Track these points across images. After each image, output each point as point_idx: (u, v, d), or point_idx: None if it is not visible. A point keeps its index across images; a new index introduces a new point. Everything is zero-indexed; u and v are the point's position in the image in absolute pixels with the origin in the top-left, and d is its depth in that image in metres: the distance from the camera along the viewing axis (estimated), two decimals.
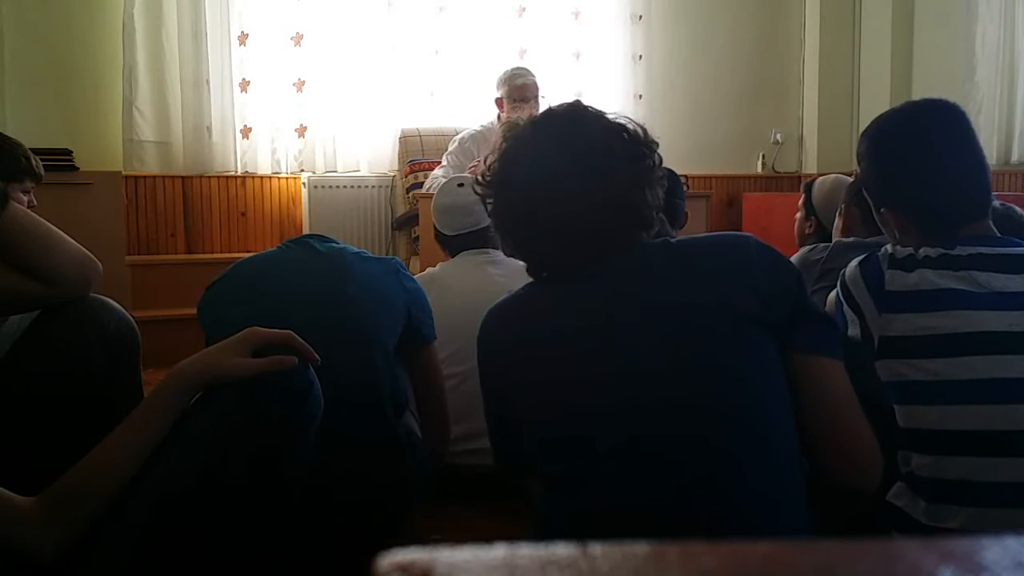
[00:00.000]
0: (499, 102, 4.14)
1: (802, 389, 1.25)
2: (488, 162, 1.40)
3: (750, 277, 1.26)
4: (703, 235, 1.41)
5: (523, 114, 3.93)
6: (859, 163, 1.69)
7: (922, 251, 1.50)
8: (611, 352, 1.24)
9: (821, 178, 2.75)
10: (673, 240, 1.36)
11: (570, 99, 1.41)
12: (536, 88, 4.10)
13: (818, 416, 1.25)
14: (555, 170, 1.32)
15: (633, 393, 1.20)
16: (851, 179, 2.49)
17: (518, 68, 4.22)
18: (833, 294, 1.62)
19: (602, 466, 1.19)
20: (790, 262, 1.36)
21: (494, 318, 1.38)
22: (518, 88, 4.06)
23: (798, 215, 2.73)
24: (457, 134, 4.33)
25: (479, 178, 1.40)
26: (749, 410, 1.20)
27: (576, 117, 1.36)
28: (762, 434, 1.20)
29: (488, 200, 1.38)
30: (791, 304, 1.27)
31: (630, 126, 1.36)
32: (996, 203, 1.75)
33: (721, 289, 1.25)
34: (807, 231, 2.68)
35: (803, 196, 2.71)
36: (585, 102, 1.40)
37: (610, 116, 1.37)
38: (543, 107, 4.05)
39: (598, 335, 1.25)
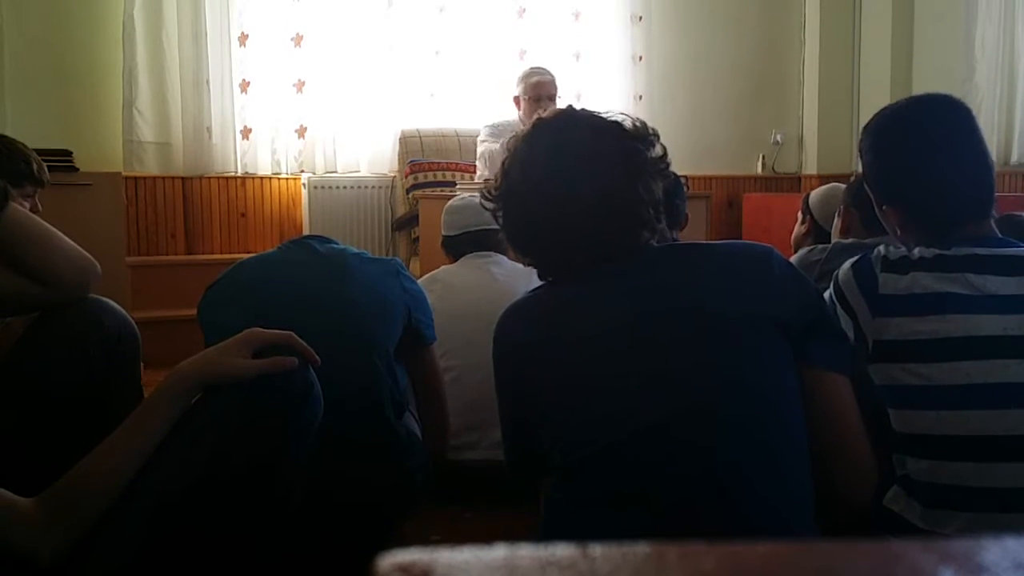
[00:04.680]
0: (516, 100, 4.16)
1: (808, 400, 1.29)
2: (494, 177, 1.44)
3: (772, 286, 1.30)
4: (725, 242, 1.44)
5: (541, 110, 3.96)
6: (861, 158, 1.68)
7: (916, 252, 1.49)
8: (628, 352, 1.26)
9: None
10: (694, 244, 1.40)
11: (567, 102, 1.45)
12: (553, 87, 4.11)
13: (820, 427, 1.29)
14: (547, 177, 1.35)
15: (646, 389, 1.23)
16: (847, 184, 2.52)
17: (536, 67, 4.25)
18: (827, 295, 1.61)
19: (614, 455, 1.21)
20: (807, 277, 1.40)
21: (510, 318, 1.40)
22: (532, 86, 4.07)
23: (797, 223, 2.76)
24: (457, 135, 4.35)
25: (487, 194, 1.44)
26: (760, 414, 1.23)
27: (565, 123, 1.39)
28: (771, 438, 1.23)
29: (498, 214, 1.43)
30: (810, 316, 1.32)
31: (626, 123, 1.38)
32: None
33: (741, 295, 1.29)
34: (803, 232, 2.70)
35: (802, 204, 2.74)
36: (585, 103, 1.42)
37: (604, 116, 1.39)
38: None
39: (615, 335, 1.28)
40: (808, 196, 2.75)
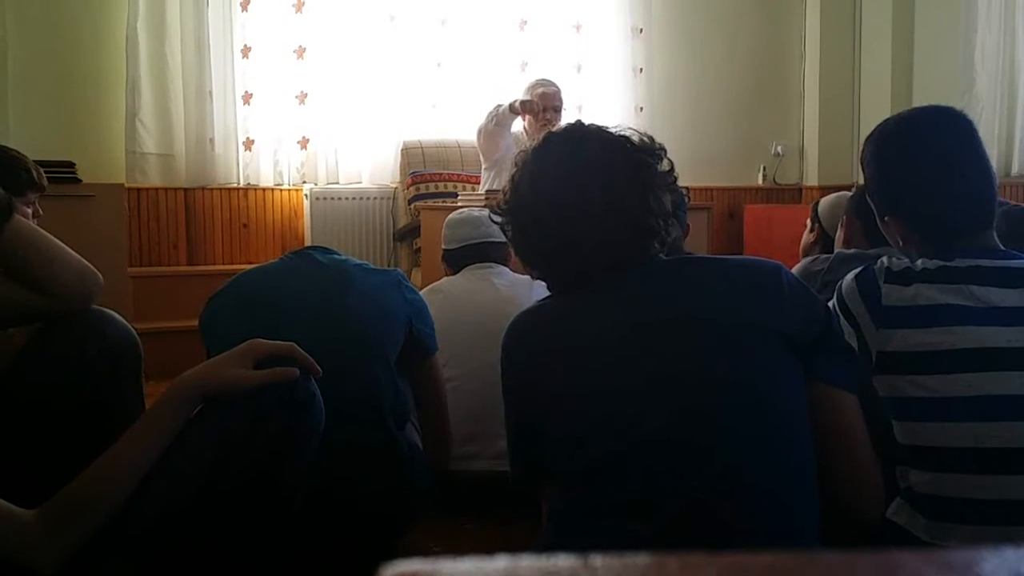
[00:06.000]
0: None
1: (815, 416, 1.29)
2: (502, 191, 1.46)
3: (779, 301, 1.31)
4: (734, 256, 1.45)
5: (545, 121, 4.00)
6: (863, 169, 1.68)
7: (919, 263, 1.49)
8: (632, 361, 1.27)
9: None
10: (703, 257, 1.41)
11: (572, 114, 1.46)
12: (558, 98, 4.17)
13: (826, 444, 1.30)
14: (557, 189, 1.37)
15: (652, 398, 1.24)
16: (850, 194, 2.52)
17: (542, 78, 4.31)
18: (830, 305, 1.61)
19: (617, 464, 1.22)
20: (816, 294, 1.41)
21: (518, 327, 1.42)
22: (538, 97, 4.10)
23: (805, 231, 2.76)
24: (459, 146, 4.37)
25: (497, 207, 1.45)
26: (765, 421, 1.24)
27: (574, 136, 1.41)
28: (776, 443, 1.24)
29: (507, 228, 1.44)
30: (818, 331, 1.33)
31: (634, 137, 1.39)
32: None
33: (748, 307, 1.30)
34: (811, 240, 2.70)
35: (811, 212, 2.75)
36: (586, 114, 1.44)
37: (612, 129, 1.40)
38: (564, 119, 4.18)
39: (620, 344, 1.29)
40: (817, 204, 2.75)
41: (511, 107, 4.04)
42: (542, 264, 1.44)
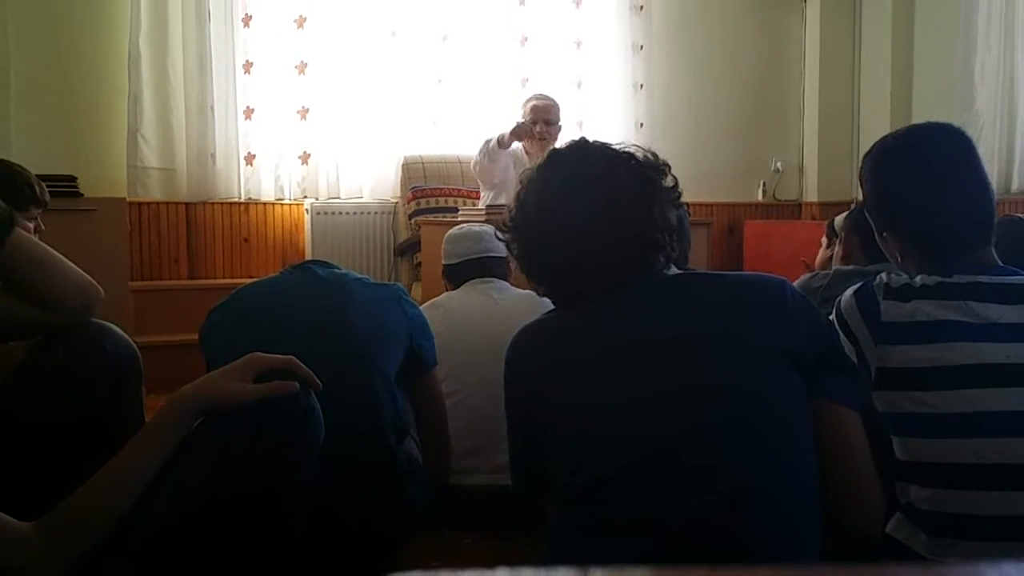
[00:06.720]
0: None
1: (817, 432, 1.30)
2: (508, 209, 1.47)
3: (783, 317, 1.32)
4: (739, 272, 1.46)
5: (541, 136, 3.99)
6: (861, 185, 1.68)
7: (918, 279, 1.49)
8: (635, 376, 1.28)
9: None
10: (707, 272, 1.42)
11: (573, 131, 1.48)
12: (553, 112, 4.14)
13: (827, 460, 1.31)
14: (562, 206, 1.38)
15: (656, 412, 1.24)
16: (849, 211, 2.53)
17: (539, 93, 4.29)
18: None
19: (619, 481, 1.22)
20: (820, 311, 1.42)
21: (522, 339, 1.42)
22: (531, 110, 4.11)
23: (821, 248, 2.76)
24: (459, 161, 4.37)
25: (502, 225, 1.46)
26: (769, 436, 1.25)
27: (579, 152, 1.42)
28: (780, 459, 1.24)
29: (513, 244, 1.45)
30: (821, 348, 1.34)
31: (638, 153, 1.40)
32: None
33: (752, 324, 1.31)
34: (828, 256, 2.70)
35: (827, 228, 2.74)
36: (587, 131, 1.45)
37: (616, 146, 1.41)
38: (563, 135, 4.13)
39: (622, 360, 1.30)
40: (832, 221, 2.75)
41: (499, 141, 4.01)
42: (548, 280, 1.44)
